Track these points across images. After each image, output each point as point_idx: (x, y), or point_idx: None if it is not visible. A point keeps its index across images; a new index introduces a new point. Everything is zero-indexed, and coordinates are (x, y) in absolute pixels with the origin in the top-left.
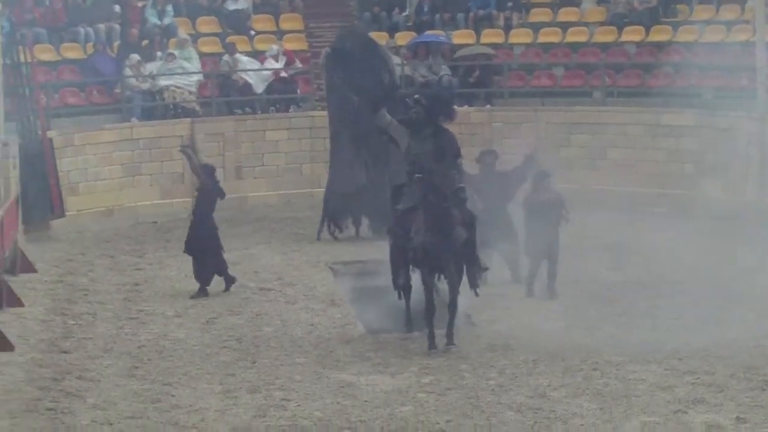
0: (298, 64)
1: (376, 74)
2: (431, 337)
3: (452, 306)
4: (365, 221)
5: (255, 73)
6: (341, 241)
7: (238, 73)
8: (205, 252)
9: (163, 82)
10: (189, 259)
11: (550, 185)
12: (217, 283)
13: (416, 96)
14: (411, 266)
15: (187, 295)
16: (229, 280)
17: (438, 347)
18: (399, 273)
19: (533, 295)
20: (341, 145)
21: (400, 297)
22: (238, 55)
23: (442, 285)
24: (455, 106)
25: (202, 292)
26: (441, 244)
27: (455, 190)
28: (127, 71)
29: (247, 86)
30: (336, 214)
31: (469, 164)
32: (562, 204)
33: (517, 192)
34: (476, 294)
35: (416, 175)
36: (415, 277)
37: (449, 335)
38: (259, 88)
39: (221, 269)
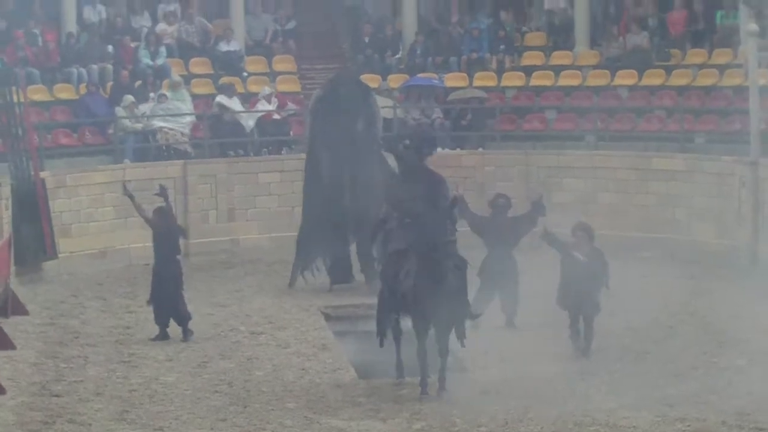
0: (291, 107)
1: (360, 125)
2: (423, 383)
3: (443, 351)
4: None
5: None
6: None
7: (231, 114)
8: (167, 295)
9: (156, 123)
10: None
11: (591, 238)
12: (203, 325)
13: (406, 141)
14: (401, 311)
15: (179, 338)
16: (188, 332)
17: (430, 393)
18: (385, 318)
19: (585, 354)
20: (312, 195)
21: (381, 344)
22: (221, 99)
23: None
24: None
25: (163, 335)
26: (431, 290)
27: (446, 243)
28: (120, 112)
29: (238, 126)
30: (308, 260)
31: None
32: (605, 266)
33: (525, 235)
34: (462, 345)
35: (406, 220)
36: (405, 322)
37: (441, 381)
38: (249, 125)
39: (182, 318)
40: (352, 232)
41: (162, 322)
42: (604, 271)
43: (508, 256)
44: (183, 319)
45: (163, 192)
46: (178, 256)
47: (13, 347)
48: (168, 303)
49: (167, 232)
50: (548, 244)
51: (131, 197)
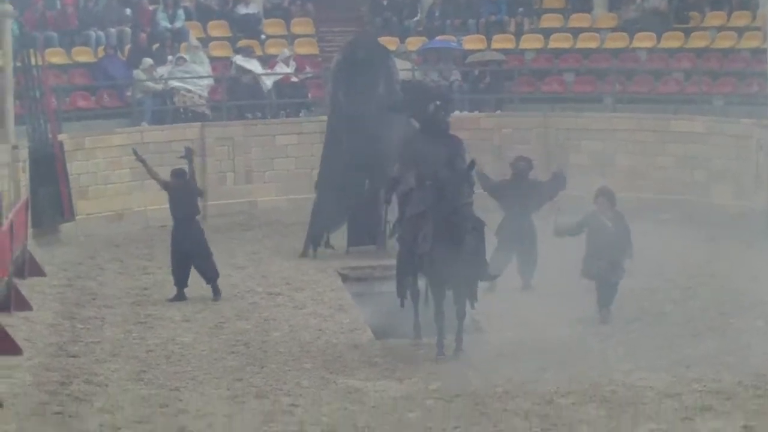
0: (309, 71)
1: (380, 87)
2: (440, 344)
3: (460, 313)
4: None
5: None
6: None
7: (249, 75)
8: (191, 256)
9: (174, 84)
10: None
11: (612, 203)
12: (221, 286)
13: (437, 102)
14: (418, 273)
15: (195, 299)
16: (217, 291)
17: (446, 353)
18: (404, 279)
19: (608, 322)
20: (330, 161)
21: (402, 304)
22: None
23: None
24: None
25: (181, 296)
26: (448, 253)
27: (463, 205)
28: (140, 74)
29: (256, 89)
30: (319, 232)
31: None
32: (627, 231)
33: (542, 205)
34: (472, 307)
35: (427, 182)
36: (423, 283)
37: (458, 341)
38: (267, 85)
39: (211, 276)
40: (369, 195)
41: (180, 283)
42: (626, 236)
43: (526, 219)
44: (212, 278)
45: (188, 154)
46: (198, 217)
47: (29, 308)
48: (187, 264)
49: (185, 194)
50: (562, 235)
51: (143, 161)
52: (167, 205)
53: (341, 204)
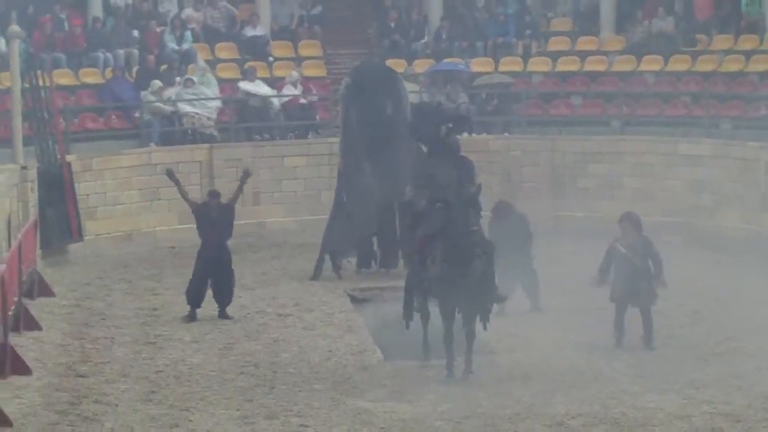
0: (315, 93)
1: (389, 109)
2: (450, 365)
3: (470, 334)
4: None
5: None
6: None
7: (256, 97)
8: (215, 279)
9: (183, 107)
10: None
11: (637, 228)
12: (230, 307)
13: (449, 125)
14: (428, 294)
15: (204, 320)
16: (227, 316)
17: (456, 375)
18: (411, 302)
19: (621, 346)
20: (347, 185)
21: (408, 326)
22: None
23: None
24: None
25: (193, 316)
26: (457, 276)
27: (468, 232)
28: (148, 96)
29: (264, 111)
30: (335, 254)
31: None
32: (657, 257)
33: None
34: (484, 328)
35: (438, 204)
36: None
37: (468, 363)
38: (275, 104)
39: (227, 301)
40: (378, 217)
41: (195, 303)
42: (656, 261)
43: (522, 252)
44: (226, 303)
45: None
46: (228, 241)
47: (39, 328)
48: (206, 286)
49: (219, 215)
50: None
51: (177, 182)
52: (176, 226)
53: (354, 227)
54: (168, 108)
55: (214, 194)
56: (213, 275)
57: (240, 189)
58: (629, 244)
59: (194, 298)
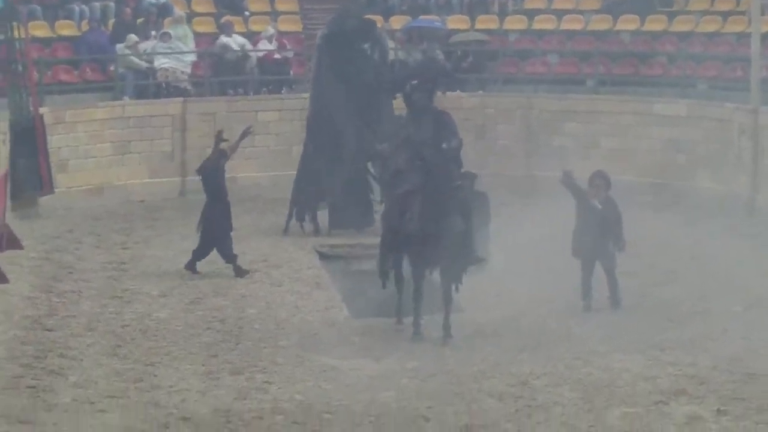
0: (291, 49)
1: (367, 60)
2: (417, 323)
3: (447, 297)
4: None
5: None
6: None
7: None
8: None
9: (159, 61)
10: (176, 239)
11: (608, 187)
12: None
13: (413, 81)
14: (403, 253)
15: (173, 275)
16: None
17: (423, 335)
18: (387, 260)
19: (590, 310)
20: (314, 137)
21: (384, 286)
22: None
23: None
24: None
25: (192, 267)
26: (434, 234)
27: (451, 188)
28: (123, 50)
29: (239, 65)
30: (302, 209)
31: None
32: (619, 218)
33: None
34: (456, 290)
35: (417, 162)
36: (405, 264)
37: (446, 327)
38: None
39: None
40: (355, 174)
41: (199, 256)
42: (617, 222)
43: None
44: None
45: (245, 132)
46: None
47: (6, 281)
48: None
49: (214, 173)
50: (566, 188)
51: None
52: (147, 180)
53: (324, 183)
54: (143, 64)
55: (222, 154)
56: (221, 229)
57: (237, 144)
58: (600, 202)
59: (230, 250)
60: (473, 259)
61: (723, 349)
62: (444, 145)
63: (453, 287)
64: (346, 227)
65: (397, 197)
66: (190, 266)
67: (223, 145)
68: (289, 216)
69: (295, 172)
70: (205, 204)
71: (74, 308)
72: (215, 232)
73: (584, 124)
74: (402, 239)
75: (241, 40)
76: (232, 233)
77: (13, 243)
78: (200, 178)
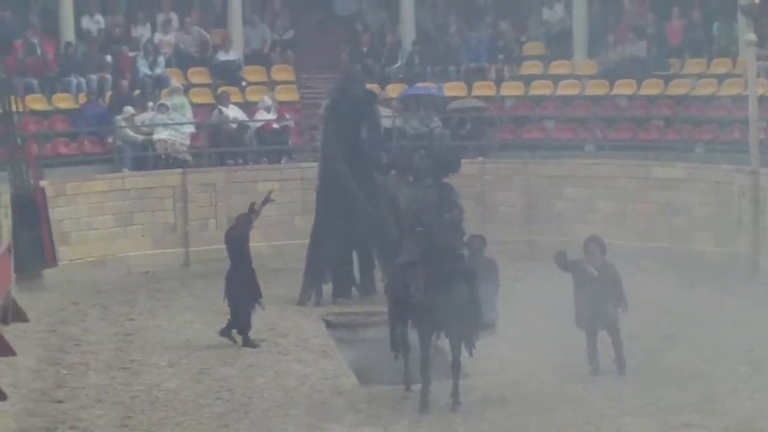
0: (289, 122)
1: (363, 132)
2: (425, 396)
3: (456, 365)
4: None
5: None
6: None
7: (229, 124)
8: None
9: (157, 135)
10: (181, 309)
11: (603, 252)
12: (205, 333)
13: (423, 151)
14: (410, 323)
15: (179, 345)
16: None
17: (431, 403)
18: (396, 330)
19: (598, 374)
20: (325, 207)
21: (396, 358)
22: (223, 109)
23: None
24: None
25: (249, 341)
26: (442, 302)
27: (455, 257)
28: (120, 122)
29: (238, 135)
30: (316, 279)
31: None
32: (619, 281)
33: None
34: (470, 354)
35: (418, 229)
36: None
37: (455, 395)
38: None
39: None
40: (355, 241)
41: (244, 326)
42: (617, 284)
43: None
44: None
45: (267, 198)
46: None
47: (13, 353)
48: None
49: (239, 240)
50: (560, 267)
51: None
52: (149, 251)
53: (334, 246)
54: (139, 137)
55: (248, 220)
56: (246, 297)
57: (259, 211)
58: (596, 267)
59: (246, 322)
60: (482, 325)
61: (732, 411)
62: (447, 216)
63: (462, 354)
64: (350, 296)
65: (399, 267)
66: (225, 333)
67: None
68: (305, 286)
69: (308, 244)
70: (229, 270)
71: (82, 380)
72: (238, 299)
73: (582, 188)
74: (408, 309)
75: (237, 112)
76: (260, 300)
77: (19, 316)
78: (225, 244)
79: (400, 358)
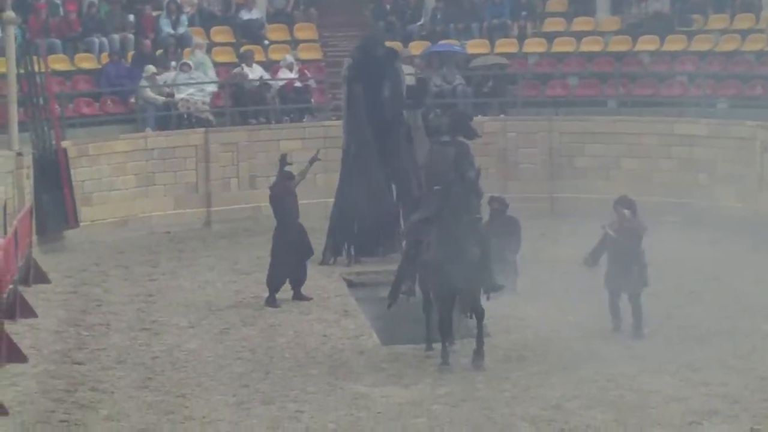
0: (311, 80)
1: (386, 91)
2: (445, 354)
3: (478, 314)
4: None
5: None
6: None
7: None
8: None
9: (178, 95)
10: (203, 269)
11: (633, 214)
12: (226, 292)
13: (437, 110)
14: (416, 280)
15: (201, 305)
16: (300, 295)
17: (451, 364)
18: (399, 285)
19: (618, 331)
20: (351, 166)
21: (389, 307)
22: (245, 67)
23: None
24: (473, 125)
25: (272, 301)
26: (451, 261)
27: (471, 220)
28: (143, 82)
29: (259, 94)
30: (340, 242)
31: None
32: (641, 239)
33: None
34: (487, 298)
35: (435, 188)
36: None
37: (479, 349)
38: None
39: (304, 278)
40: (382, 201)
41: (278, 288)
42: (634, 243)
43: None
44: (303, 280)
45: (314, 158)
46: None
47: (35, 315)
48: (287, 269)
49: (278, 197)
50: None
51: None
52: (171, 211)
53: (357, 213)
54: (160, 98)
55: (289, 176)
56: (294, 255)
57: (307, 170)
58: (623, 228)
59: (279, 283)
60: (491, 286)
61: (753, 368)
62: (464, 175)
63: (479, 314)
64: (374, 255)
65: (414, 224)
66: (298, 295)
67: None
68: (327, 248)
69: (333, 204)
70: (275, 229)
71: (103, 341)
72: (279, 257)
73: (605, 145)
74: (419, 266)
75: (259, 70)
76: (310, 258)
77: (41, 277)
78: (270, 203)
79: (415, 310)
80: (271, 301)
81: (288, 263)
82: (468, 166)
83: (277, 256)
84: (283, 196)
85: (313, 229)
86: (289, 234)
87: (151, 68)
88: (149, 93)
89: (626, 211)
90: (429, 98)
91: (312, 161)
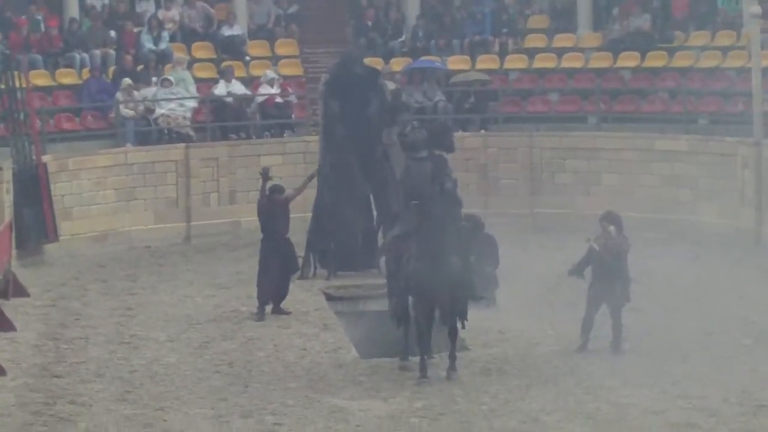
0: (292, 96)
1: (369, 106)
2: (423, 366)
3: (452, 334)
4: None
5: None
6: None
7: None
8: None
9: (159, 110)
10: (182, 284)
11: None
12: (205, 307)
13: (415, 123)
14: (405, 295)
15: (180, 319)
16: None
17: (430, 377)
18: (396, 302)
19: (586, 349)
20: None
21: (397, 327)
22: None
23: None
24: (454, 138)
25: (260, 314)
26: (433, 273)
27: (453, 231)
28: (119, 95)
29: (240, 110)
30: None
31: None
32: (625, 255)
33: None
34: (462, 326)
35: (413, 202)
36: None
37: (451, 361)
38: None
39: (285, 293)
40: (361, 216)
41: (266, 301)
42: (617, 259)
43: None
44: (283, 295)
45: (312, 175)
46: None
47: (13, 329)
48: (272, 282)
49: (282, 210)
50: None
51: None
52: (151, 226)
53: (336, 220)
54: (130, 112)
55: (278, 189)
56: (278, 269)
57: (304, 186)
58: (607, 243)
59: (266, 296)
60: (474, 298)
61: (732, 382)
62: (441, 187)
63: (458, 324)
64: (352, 269)
65: (393, 239)
66: (277, 309)
67: (288, 192)
68: (305, 261)
69: (310, 219)
70: (261, 241)
71: (82, 355)
72: (263, 272)
73: (586, 161)
74: (402, 281)
75: (239, 87)
76: (293, 276)
77: (20, 291)
78: (258, 216)
79: (401, 330)
80: (259, 315)
81: (272, 277)
82: (445, 178)
83: (262, 269)
84: (270, 208)
85: (296, 243)
86: (274, 248)
87: (127, 80)
88: (123, 110)
89: (611, 228)
90: (404, 114)
91: (310, 177)
